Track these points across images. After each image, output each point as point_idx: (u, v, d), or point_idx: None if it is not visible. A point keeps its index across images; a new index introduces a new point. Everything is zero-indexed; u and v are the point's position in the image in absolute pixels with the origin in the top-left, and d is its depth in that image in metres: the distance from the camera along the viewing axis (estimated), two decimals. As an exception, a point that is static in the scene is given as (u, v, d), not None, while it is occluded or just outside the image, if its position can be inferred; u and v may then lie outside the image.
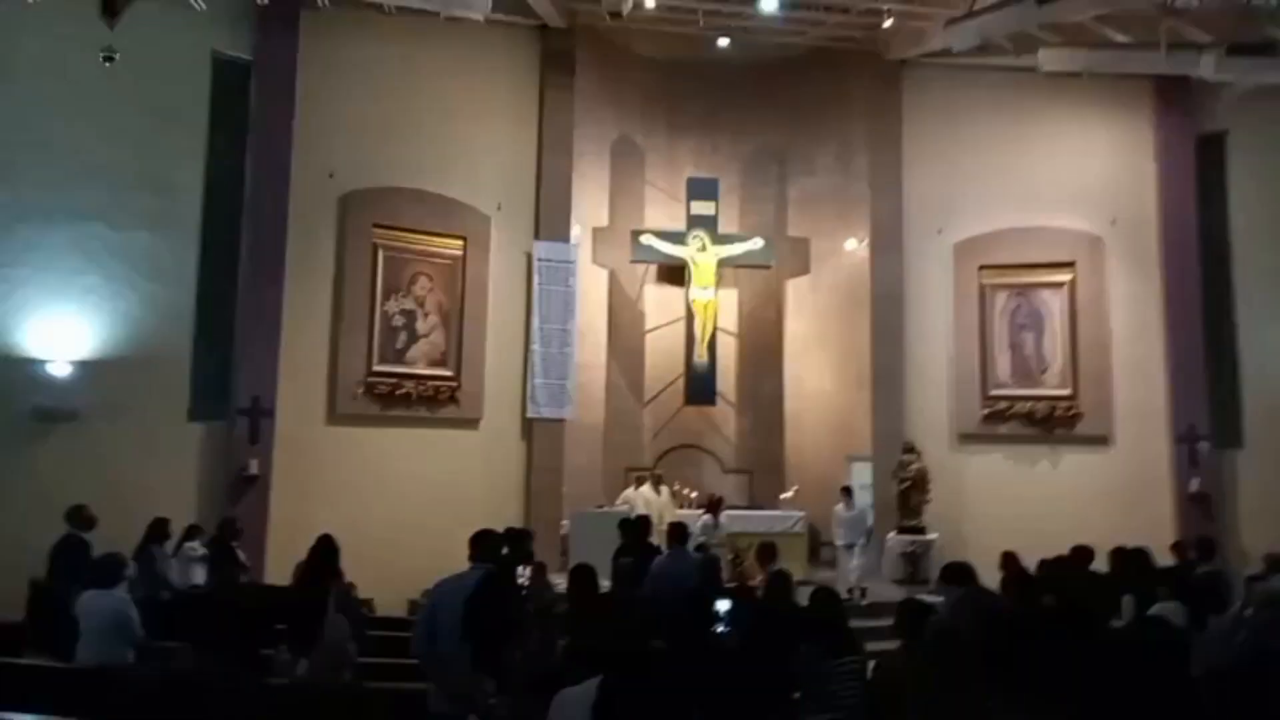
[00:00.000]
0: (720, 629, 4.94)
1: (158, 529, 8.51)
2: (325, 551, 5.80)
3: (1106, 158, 13.01)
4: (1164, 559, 8.52)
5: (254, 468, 10.67)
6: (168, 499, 9.56)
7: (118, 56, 8.61)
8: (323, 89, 11.56)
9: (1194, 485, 11.97)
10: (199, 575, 8.70)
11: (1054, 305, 12.97)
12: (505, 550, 7.51)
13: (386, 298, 12.03)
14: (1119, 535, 9.12)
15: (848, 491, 11.78)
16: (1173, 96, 12.73)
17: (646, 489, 12.40)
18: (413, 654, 4.56)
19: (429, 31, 11.91)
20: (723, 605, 5.44)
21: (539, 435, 12.81)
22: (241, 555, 9.04)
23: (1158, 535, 10.59)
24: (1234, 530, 11.71)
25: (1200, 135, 12.78)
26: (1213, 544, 9.63)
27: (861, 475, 13.68)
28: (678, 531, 7.62)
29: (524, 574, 6.59)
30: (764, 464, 14.77)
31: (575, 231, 13.72)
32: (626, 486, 14.33)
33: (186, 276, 10.75)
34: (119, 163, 10.26)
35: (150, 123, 10.46)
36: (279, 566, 9.22)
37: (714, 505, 11.01)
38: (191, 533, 9.09)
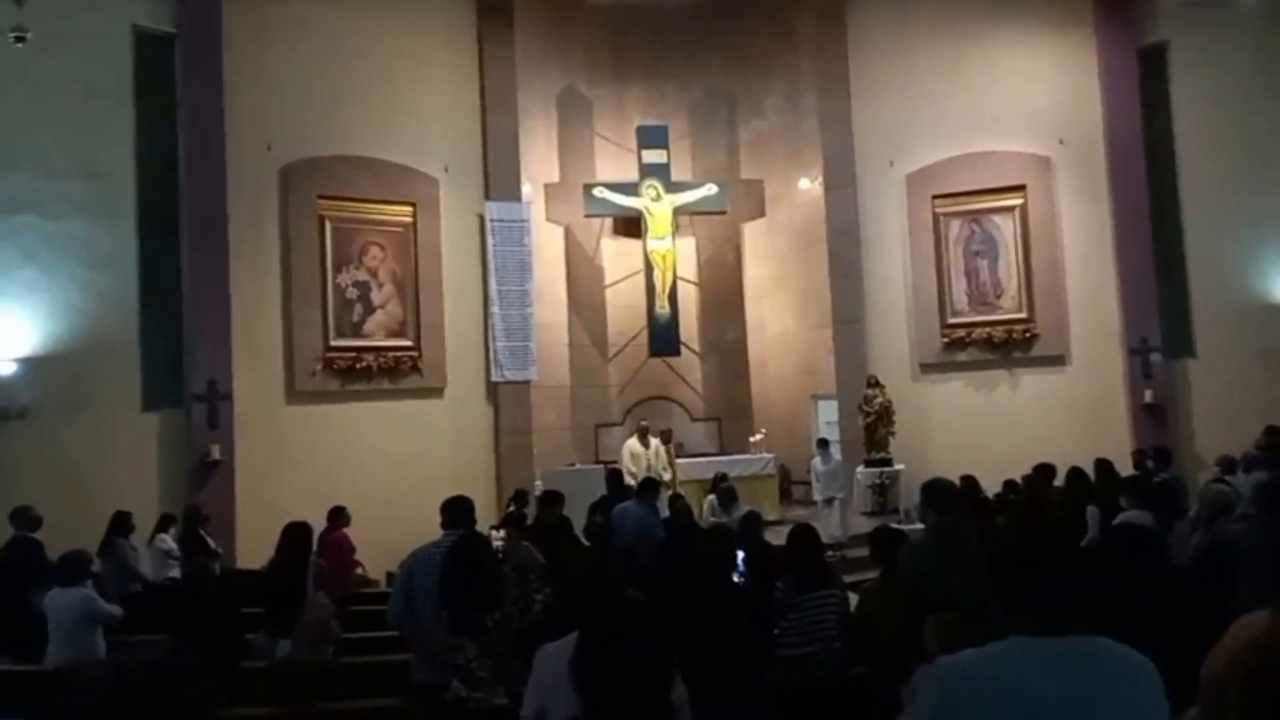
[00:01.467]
0: (738, 577, 5.00)
1: (120, 522, 8.36)
2: (297, 535, 5.73)
3: (1051, 78, 13.03)
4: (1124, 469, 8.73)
5: (216, 453, 10.50)
6: (129, 492, 9.41)
7: (30, 36, 8.20)
8: (252, 59, 11.14)
9: (1148, 397, 12.26)
10: (175, 569, 8.60)
11: (1006, 230, 13.08)
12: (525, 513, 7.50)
13: (338, 270, 11.78)
14: (1079, 450, 9.39)
15: (824, 444, 11.55)
16: (1113, 10, 12.73)
17: (633, 442, 12.08)
18: (391, 624, 4.56)
19: (357, -9, 11.52)
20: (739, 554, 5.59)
21: (505, 398, 12.75)
22: (212, 542, 8.96)
23: (1116, 447, 10.91)
24: (1188, 437, 12.05)
25: (1141, 48, 12.82)
26: (1168, 452, 9.95)
27: (828, 413, 13.86)
28: (644, 486, 7.78)
29: (498, 535, 6.59)
30: (732, 409, 14.88)
31: (526, 189, 13.51)
32: (597, 442, 14.41)
33: (127, 263, 10.42)
34: (45, 149, 9.87)
35: (74, 105, 10.05)
36: (251, 550, 9.14)
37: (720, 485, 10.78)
38: (164, 523, 8.97)
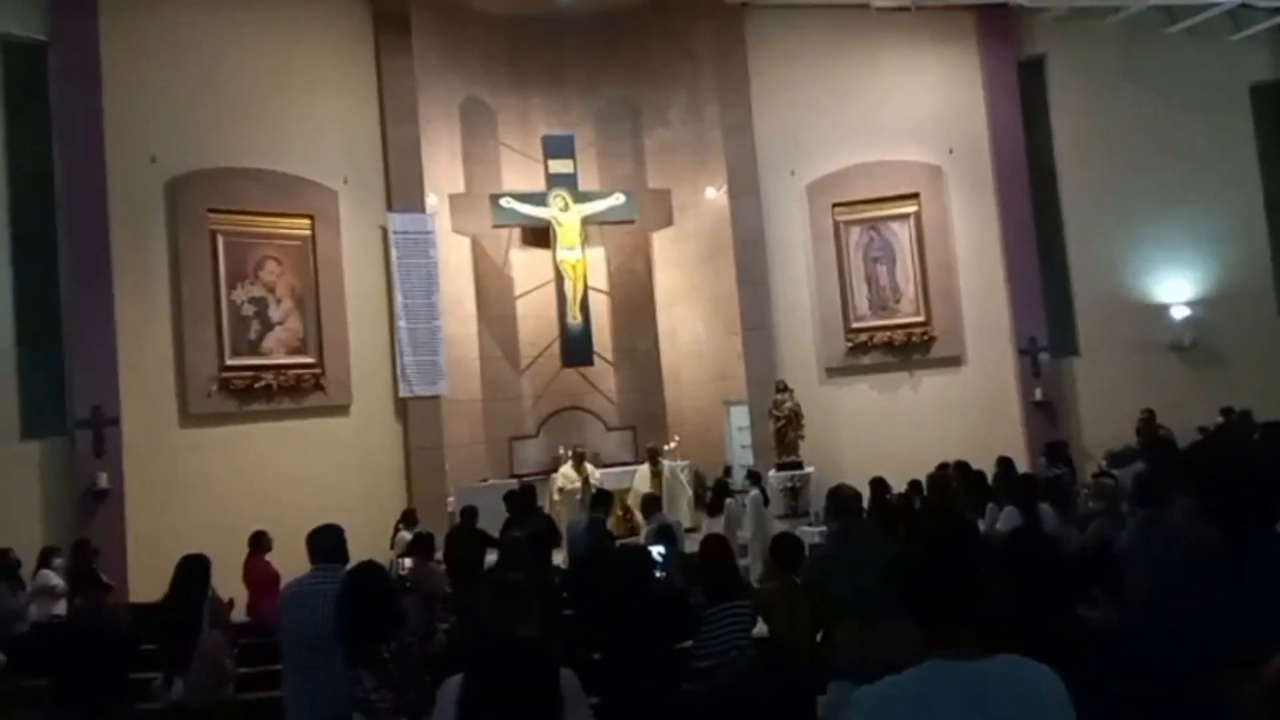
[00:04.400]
0: (659, 573, 5.04)
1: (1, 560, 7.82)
2: (193, 569, 5.46)
3: (940, 89, 13.58)
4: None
5: (103, 481, 9.96)
6: (11, 525, 8.86)
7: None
8: (132, 68, 10.64)
9: (1038, 394, 12.89)
10: (60, 605, 8.09)
11: (903, 236, 13.54)
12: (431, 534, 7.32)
13: (232, 286, 11.33)
14: (977, 447, 9.79)
15: (756, 478, 10.97)
16: (994, 24, 13.36)
17: (566, 468, 11.86)
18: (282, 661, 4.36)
19: (245, -3, 11.14)
20: (656, 550, 5.64)
21: (414, 414, 12.48)
22: (103, 576, 8.45)
23: (1010, 444, 11.41)
24: (1076, 432, 12.70)
25: (1021, 60, 13.52)
26: (1064, 446, 10.47)
27: (740, 419, 14.06)
28: (597, 501, 7.81)
29: (404, 565, 6.45)
30: (646, 418, 14.93)
31: (431, 200, 13.28)
32: (511, 456, 14.26)
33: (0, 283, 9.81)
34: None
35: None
36: (146, 584, 8.68)
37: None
38: (47, 556, 8.44)
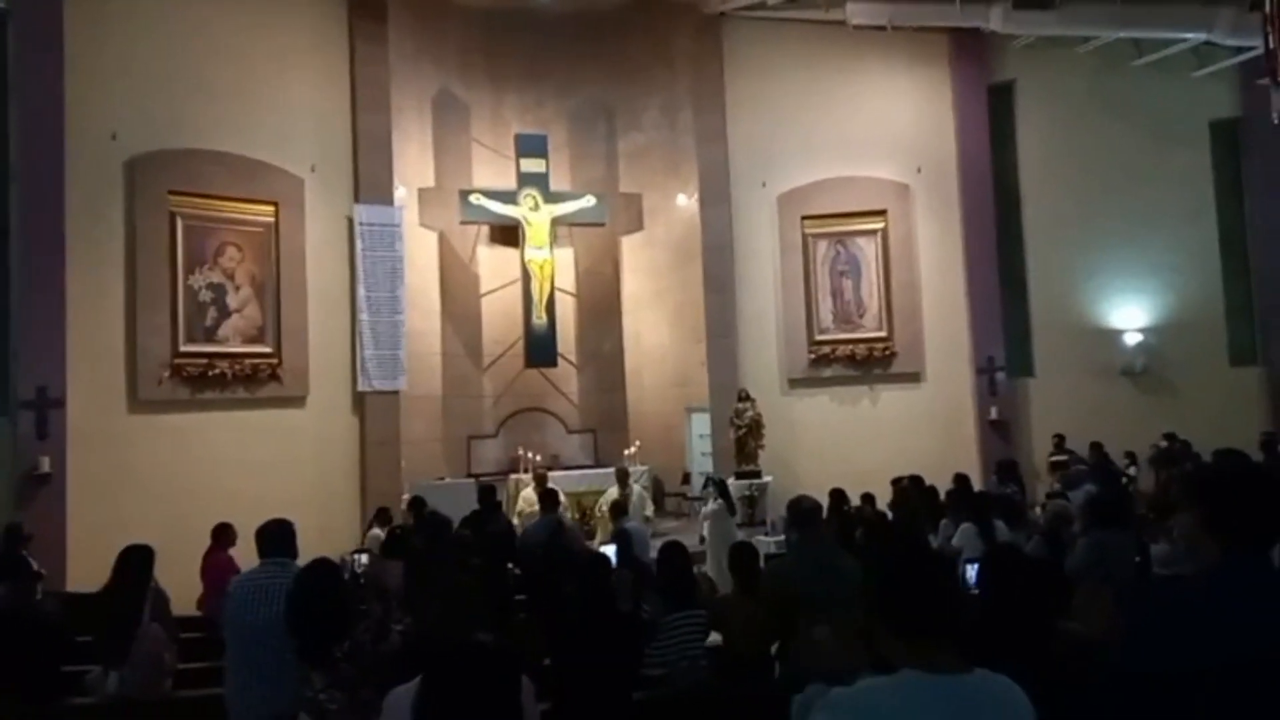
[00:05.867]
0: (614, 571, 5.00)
1: (-71, 544, 7.53)
2: (136, 559, 5.28)
3: (911, 109, 13.77)
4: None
5: (45, 465, 9.64)
6: (-58, 509, 8.50)
7: None
8: (95, 40, 10.36)
9: (993, 413, 13.11)
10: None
11: (869, 252, 13.68)
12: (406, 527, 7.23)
13: (190, 271, 11.06)
14: (934, 463, 9.93)
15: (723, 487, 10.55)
16: (967, 48, 13.60)
17: (528, 491, 10.98)
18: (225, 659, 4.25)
19: (217, -24, 10.91)
20: (609, 549, 5.60)
21: (372, 409, 12.29)
22: (34, 563, 8.18)
23: (966, 461, 11.59)
24: (1028, 451, 12.94)
25: (991, 85, 13.77)
26: (1014, 465, 10.68)
27: (701, 425, 14.09)
28: (545, 499, 7.76)
29: (360, 561, 6.33)
30: (607, 421, 14.89)
31: (399, 193, 13.11)
32: (469, 455, 14.09)
33: (-56, 257, 9.47)
34: None
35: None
36: (84, 573, 8.40)
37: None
38: (-25, 540, 8.13)
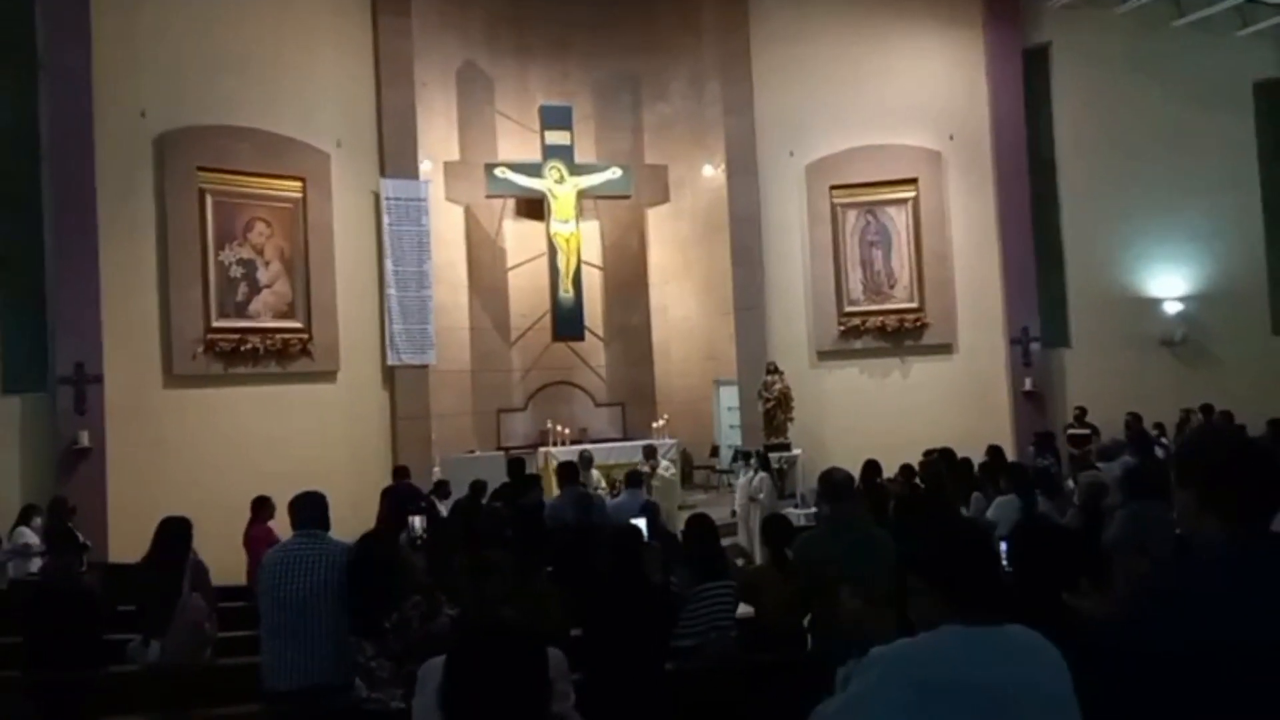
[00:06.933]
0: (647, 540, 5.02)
1: (-24, 517, 7.74)
2: (175, 530, 5.37)
3: (943, 75, 13.46)
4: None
5: (85, 440, 9.83)
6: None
7: None
8: (124, 18, 10.39)
9: (1027, 384, 12.90)
10: (37, 564, 8.02)
11: (900, 221, 13.47)
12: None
13: (220, 247, 11.15)
14: (965, 435, 9.82)
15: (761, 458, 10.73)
16: (1000, 10, 13.24)
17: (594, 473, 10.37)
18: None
19: (242, -49, 10.88)
20: (640, 522, 5.64)
21: (402, 383, 12.37)
22: (80, 536, 8.37)
23: (998, 433, 11.44)
24: (1062, 424, 12.70)
25: (1026, 48, 13.41)
26: (1051, 437, 10.54)
27: (729, 398, 14.04)
28: (563, 471, 7.76)
29: (420, 527, 6.38)
30: (635, 395, 14.89)
31: (425, 167, 13.10)
32: (499, 428, 14.17)
33: (-19, 236, 9.62)
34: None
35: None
36: (125, 544, 8.59)
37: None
38: (26, 514, 8.36)
